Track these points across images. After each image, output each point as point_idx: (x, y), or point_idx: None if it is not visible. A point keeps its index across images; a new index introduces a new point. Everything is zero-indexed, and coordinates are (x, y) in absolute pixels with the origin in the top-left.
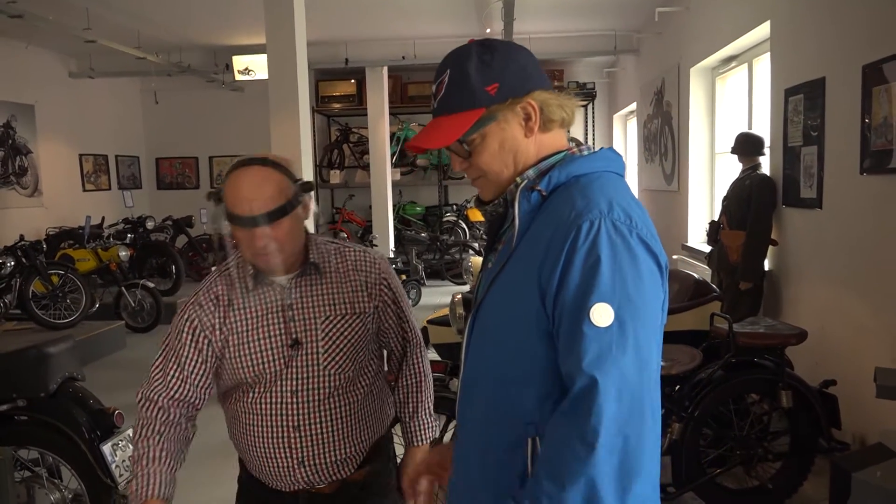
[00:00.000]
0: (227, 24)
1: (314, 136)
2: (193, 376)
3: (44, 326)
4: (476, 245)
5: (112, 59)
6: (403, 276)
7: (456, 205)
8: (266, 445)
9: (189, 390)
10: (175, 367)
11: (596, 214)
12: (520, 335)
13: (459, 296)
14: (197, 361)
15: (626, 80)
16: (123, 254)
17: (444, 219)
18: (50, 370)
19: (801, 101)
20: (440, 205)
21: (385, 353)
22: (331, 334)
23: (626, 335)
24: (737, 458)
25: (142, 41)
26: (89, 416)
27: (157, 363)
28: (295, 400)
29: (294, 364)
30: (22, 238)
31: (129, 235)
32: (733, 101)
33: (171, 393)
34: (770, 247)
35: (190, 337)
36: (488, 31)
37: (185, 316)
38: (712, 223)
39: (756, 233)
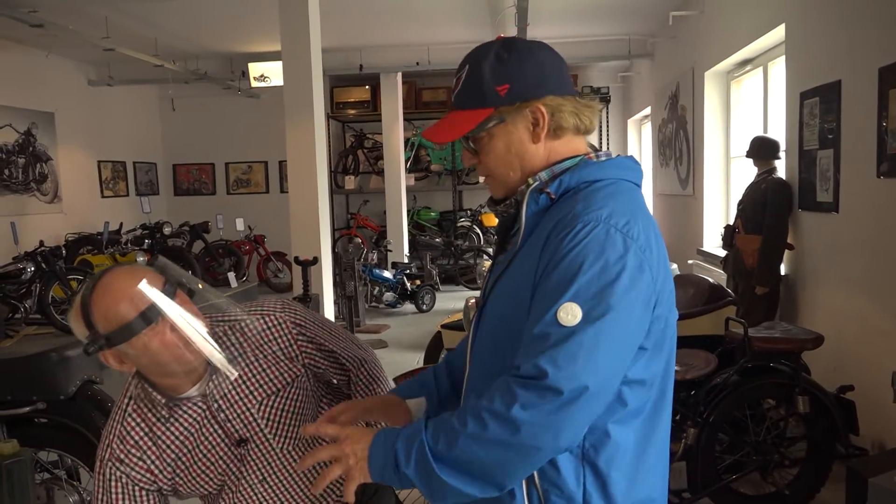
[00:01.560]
0: (242, 32)
1: (329, 141)
2: None
3: (63, 331)
4: (490, 250)
5: (130, 66)
6: (418, 282)
7: (470, 210)
8: None
9: None
10: None
11: (593, 217)
12: (520, 336)
13: (473, 300)
14: None
15: (641, 85)
16: (141, 259)
17: (459, 224)
18: (69, 373)
19: (817, 104)
20: (454, 210)
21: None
22: (271, 417)
23: (584, 340)
24: (753, 464)
25: (159, 49)
26: (107, 419)
27: None
28: (266, 486)
29: (249, 459)
30: (42, 244)
31: (146, 241)
32: (748, 105)
33: None
34: (786, 251)
35: (123, 495)
36: (502, 36)
37: (109, 475)
38: (728, 227)
39: (772, 237)
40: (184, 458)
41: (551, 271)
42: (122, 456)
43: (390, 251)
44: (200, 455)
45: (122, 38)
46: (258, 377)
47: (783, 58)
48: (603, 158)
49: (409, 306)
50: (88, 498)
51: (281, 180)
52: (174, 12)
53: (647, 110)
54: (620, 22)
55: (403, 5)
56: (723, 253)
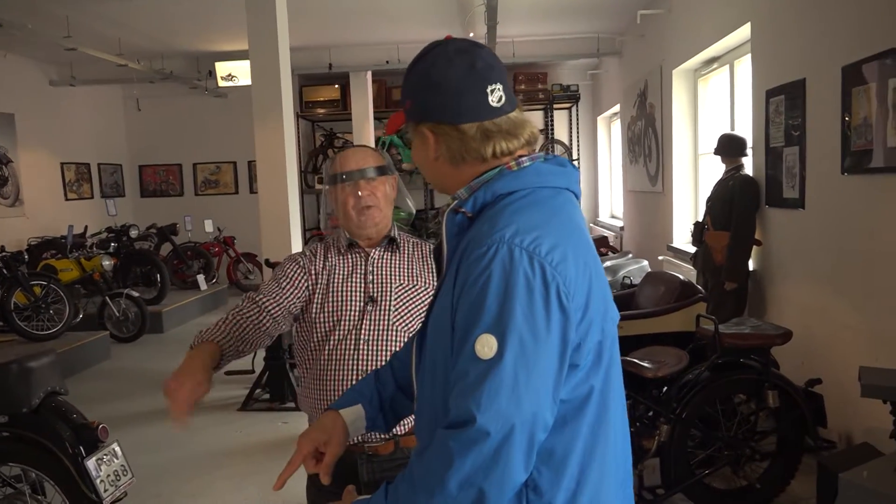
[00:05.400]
0: (209, 31)
1: (298, 141)
2: (285, 300)
3: (27, 338)
4: None
5: (93, 66)
6: None
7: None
8: (335, 388)
9: (278, 309)
10: (277, 286)
11: (494, 240)
12: (448, 371)
13: None
14: (292, 291)
15: (610, 82)
16: (107, 263)
17: (431, 223)
18: (32, 385)
19: (783, 101)
20: (426, 209)
21: None
22: (402, 298)
23: (503, 374)
24: (725, 459)
25: (123, 48)
26: (73, 431)
27: (269, 281)
28: (367, 348)
29: (368, 318)
30: (3, 249)
31: (112, 244)
32: (715, 103)
33: (269, 301)
34: (754, 247)
35: (294, 272)
36: (471, 34)
37: (297, 258)
38: (697, 224)
39: (740, 233)
40: (328, 287)
41: (463, 301)
42: (309, 254)
43: None
44: (340, 289)
45: (84, 38)
46: (408, 269)
47: (749, 56)
48: (526, 164)
49: None
50: None
51: (250, 181)
52: (138, 11)
53: (617, 108)
54: (589, 20)
55: (372, 4)
56: (692, 249)
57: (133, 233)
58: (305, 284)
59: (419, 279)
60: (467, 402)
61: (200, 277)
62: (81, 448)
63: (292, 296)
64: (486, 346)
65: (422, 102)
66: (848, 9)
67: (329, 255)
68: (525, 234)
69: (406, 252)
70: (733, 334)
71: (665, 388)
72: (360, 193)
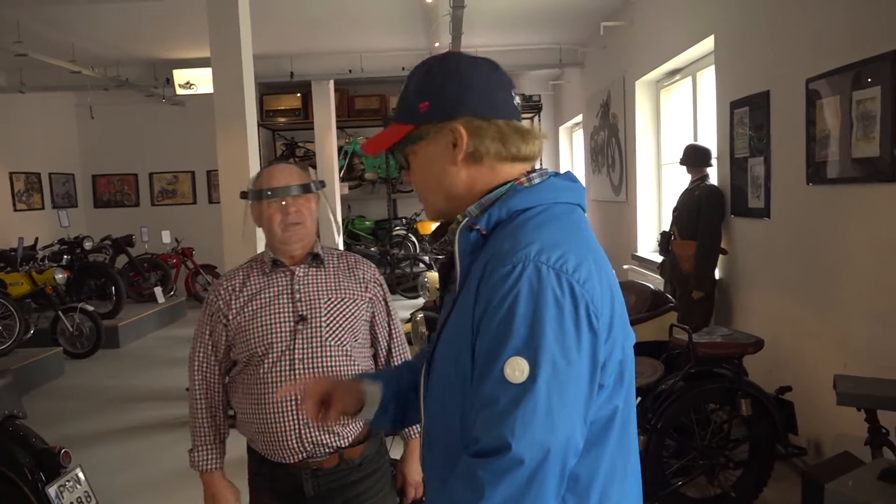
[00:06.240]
0: (167, 38)
1: (259, 150)
2: (219, 348)
3: None
4: (426, 258)
5: (45, 73)
6: None
7: (405, 218)
8: (276, 410)
9: (217, 359)
10: (206, 343)
11: (520, 258)
12: (465, 395)
13: (421, 314)
14: (220, 338)
15: (572, 93)
16: (59, 276)
17: (394, 232)
18: None
19: (747, 113)
20: (389, 218)
21: (374, 354)
22: (332, 312)
23: (537, 398)
24: (699, 468)
25: (77, 54)
26: (33, 457)
27: (194, 344)
28: (302, 366)
29: (300, 337)
30: None
31: (65, 257)
32: (678, 113)
33: (210, 362)
34: (720, 256)
35: (210, 319)
36: (437, 44)
37: (206, 304)
38: (664, 234)
39: (706, 243)
40: (252, 313)
41: (488, 322)
42: (220, 291)
43: None
44: (268, 311)
45: (36, 43)
46: (336, 283)
47: (712, 67)
48: (536, 181)
49: None
50: None
51: (209, 190)
52: (94, 16)
53: (579, 118)
54: (552, 31)
55: (336, 12)
56: (657, 258)
57: (87, 244)
58: (223, 329)
59: (347, 291)
60: (500, 429)
61: (158, 290)
62: (42, 475)
63: (222, 345)
64: (517, 369)
65: (449, 98)
66: (811, 23)
67: (252, 278)
68: (551, 252)
69: (331, 266)
70: (707, 343)
71: (640, 399)
72: (288, 210)
